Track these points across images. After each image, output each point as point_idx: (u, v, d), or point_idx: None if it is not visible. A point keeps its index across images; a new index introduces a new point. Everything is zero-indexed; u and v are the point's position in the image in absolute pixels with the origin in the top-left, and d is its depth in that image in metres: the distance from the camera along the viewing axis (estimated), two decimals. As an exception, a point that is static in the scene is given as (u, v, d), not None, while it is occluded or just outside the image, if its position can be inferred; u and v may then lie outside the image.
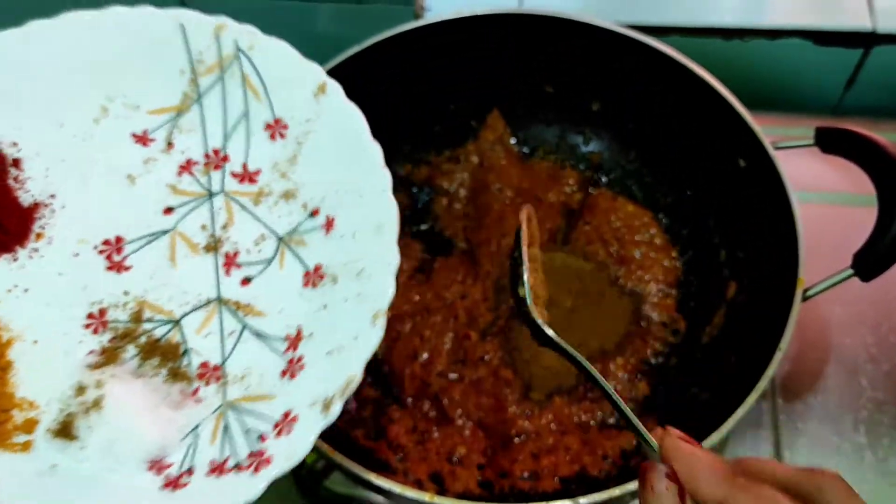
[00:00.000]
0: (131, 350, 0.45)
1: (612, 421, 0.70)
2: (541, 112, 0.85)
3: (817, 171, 0.84)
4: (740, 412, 0.54)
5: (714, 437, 0.53)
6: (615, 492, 0.52)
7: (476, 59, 0.80)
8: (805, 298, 0.60)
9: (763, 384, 0.56)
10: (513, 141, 0.85)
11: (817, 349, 0.76)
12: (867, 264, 0.61)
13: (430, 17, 0.75)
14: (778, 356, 0.57)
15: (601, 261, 0.78)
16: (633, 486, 0.51)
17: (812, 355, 0.76)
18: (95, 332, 0.46)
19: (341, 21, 0.93)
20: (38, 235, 0.48)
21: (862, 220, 0.61)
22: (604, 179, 0.85)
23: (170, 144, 0.50)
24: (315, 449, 0.41)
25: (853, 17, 0.83)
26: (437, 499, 0.52)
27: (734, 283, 0.73)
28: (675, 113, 0.77)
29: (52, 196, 0.49)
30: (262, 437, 0.40)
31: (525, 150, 0.86)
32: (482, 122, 0.85)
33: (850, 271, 0.61)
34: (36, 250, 0.48)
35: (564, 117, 0.85)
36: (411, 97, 0.76)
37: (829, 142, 0.65)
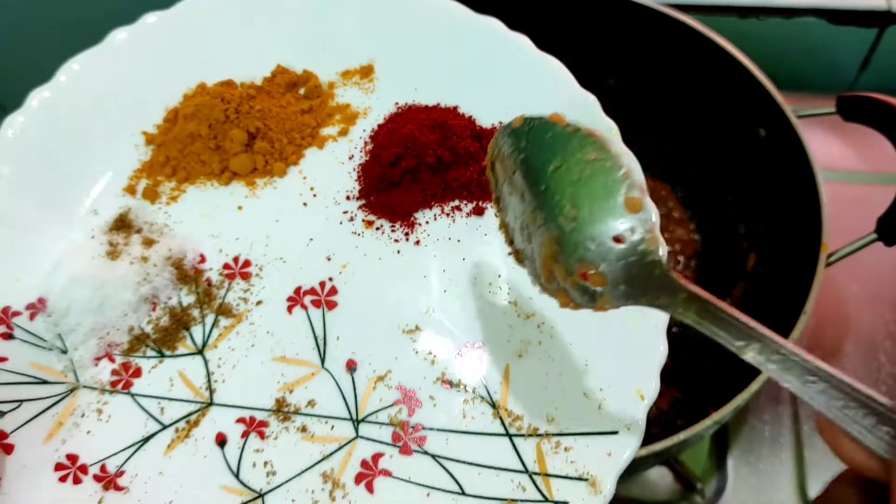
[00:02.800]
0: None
1: None
2: None
3: (837, 149, 0.85)
4: (763, 376, 0.55)
5: (737, 401, 0.54)
6: (641, 452, 0.52)
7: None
8: (829, 264, 0.60)
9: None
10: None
11: (835, 325, 0.77)
12: (891, 228, 0.61)
13: None
14: (803, 320, 0.57)
15: None
16: (657, 446, 0.53)
17: (830, 331, 0.76)
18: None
19: None
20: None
21: (883, 196, 0.61)
22: None
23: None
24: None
25: None
26: None
27: (753, 255, 0.75)
28: (694, 84, 0.77)
29: None
30: None
31: None
32: None
33: (874, 236, 0.62)
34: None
35: None
36: None
37: (850, 109, 0.65)
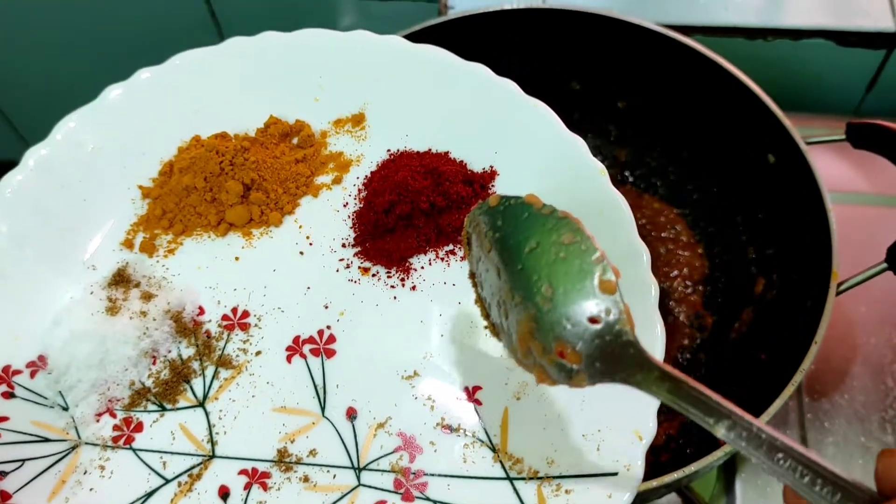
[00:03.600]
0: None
1: None
2: (566, 110, 0.83)
3: (845, 173, 0.86)
4: (777, 405, 0.55)
5: None
6: (652, 483, 0.54)
7: (500, 55, 0.78)
8: (839, 293, 0.60)
9: (799, 378, 0.56)
10: None
11: (844, 348, 0.77)
12: (902, 258, 0.61)
13: (454, 13, 0.75)
14: (813, 350, 0.57)
15: None
16: (668, 478, 0.53)
17: (838, 354, 0.76)
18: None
19: (364, 17, 0.93)
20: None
21: (892, 220, 0.61)
22: (629, 177, 0.86)
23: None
24: None
25: (876, 19, 0.84)
26: None
27: (762, 280, 0.75)
28: (703, 109, 0.77)
29: None
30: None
31: None
32: None
33: (885, 265, 0.61)
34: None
35: (590, 115, 0.85)
36: None
37: (860, 136, 0.66)
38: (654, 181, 0.85)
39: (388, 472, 0.45)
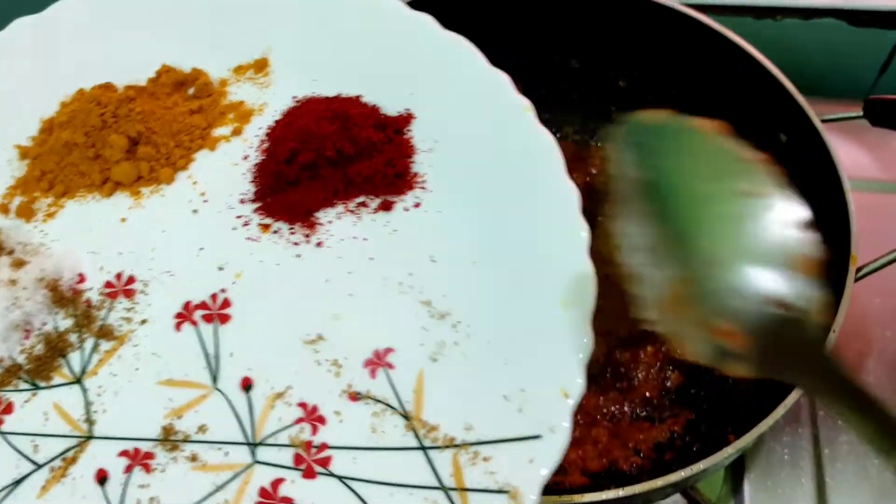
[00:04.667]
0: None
1: (643, 413, 0.68)
2: (565, 89, 0.81)
3: (860, 159, 0.82)
4: (793, 397, 0.51)
5: (762, 427, 0.50)
6: (657, 483, 0.49)
7: (496, 32, 0.76)
8: (858, 279, 0.56)
9: None
10: None
11: (858, 342, 0.73)
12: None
13: None
14: (831, 338, 0.53)
15: None
16: (675, 477, 0.49)
17: (852, 348, 0.72)
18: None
19: None
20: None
21: None
22: None
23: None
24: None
25: None
26: None
27: None
28: (710, 87, 0.73)
29: None
30: None
31: (549, 129, 0.83)
32: None
33: None
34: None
35: (590, 94, 0.81)
36: None
37: (879, 113, 0.62)
38: None
39: (288, 446, 0.40)
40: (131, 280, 0.44)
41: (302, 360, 0.42)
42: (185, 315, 0.43)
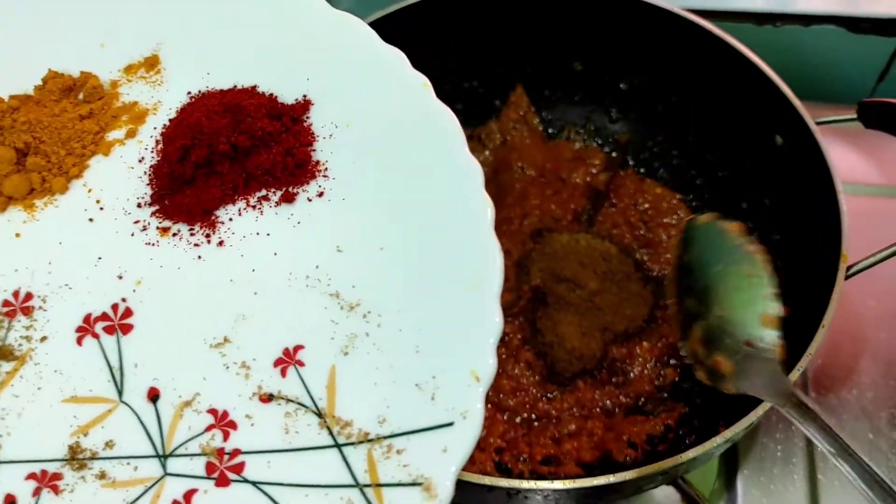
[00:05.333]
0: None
1: (638, 406, 0.69)
2: (567, 90, 0.83)
3: (855, 163, 0.82)
4: None
5: (750, 418, 0.51)
6: (647, 469, 0.50)
7: (500, 33, 0.77)
8: (849, 276, 0.57)
9: (805, 362, 0.53)
10: (537, 120, 0.83)
11: (852, 343, 0.74)
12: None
13: None
14: (821, 333, 0.54)
15: (627, 243, 0.77)
16: (665, 464, 0.50)
17: (846, 349, 0.73)
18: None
19: None
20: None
21: None
22: (631, 161, 0.83)
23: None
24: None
25: (888, 5, 0.81)
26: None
27: None
28: (709, 90, 0.74)
29: None
30: None
31: (550, 129, 0.84)
32: (505, 100, 0.83)
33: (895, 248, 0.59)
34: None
35: (591, 96, 0.83)
36: (430, 72, 0.74)
37: (872, 116, 0.64)
38: (657, 166, 0.82)
39: (199, 455, 0.39)
40: (29, 297, 0.43)
41: (209, 365, 0.41)
42: (86, 328, 0.42)
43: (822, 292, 0.57)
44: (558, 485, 0.50)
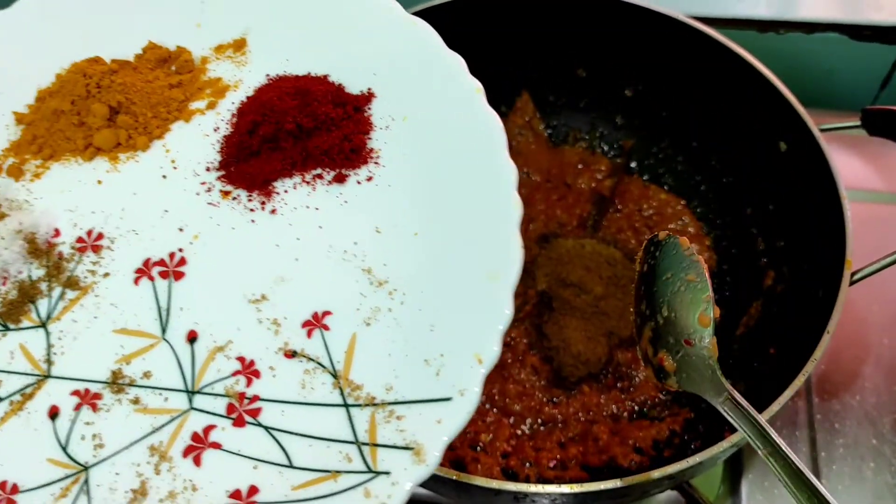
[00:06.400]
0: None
1: (643, 411, 0.70)
2: (572, 97, 0.83)
3: (859, 169, 0.82)
4: (787, 394, 0.53)
5: None
6: (653, 474, 0.52)
7: (506, 39, 0.78)
8: (853, 282, 0.58)
9: (810, 367, 0.54)
10: (542, 126, 0.84)
11: (855, 348, 0.73)
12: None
13: None
14: (826, 340, 0.55)
15: (632, 248, 0.78)
16: (671, 469, 0.51)
17: (850, 354, 0.73)
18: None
19: None
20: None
21: None
22: (635, 166, 0.83)
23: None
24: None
25: (890, 13, 0.81)
26: (462, 476, 0.52)
27: (772, 273, 0.72)
28: (713, 97, 0.75)
29: None
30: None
31: (555, 135, 0.85)
32: (511, 106, 0.84)
33: None
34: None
35: (597, 103, 0.83)
36: None
37: (876, 123, 0.63)
38: (661, 171, 0.83)
39: (223, 396, 0.43)
40: (100, 237, 0.48)
41: (245, 318, 0.45)
42: (143, 271, 0.47)
43: (827, 298, 0.57)
44: (565, 488, 0.51)
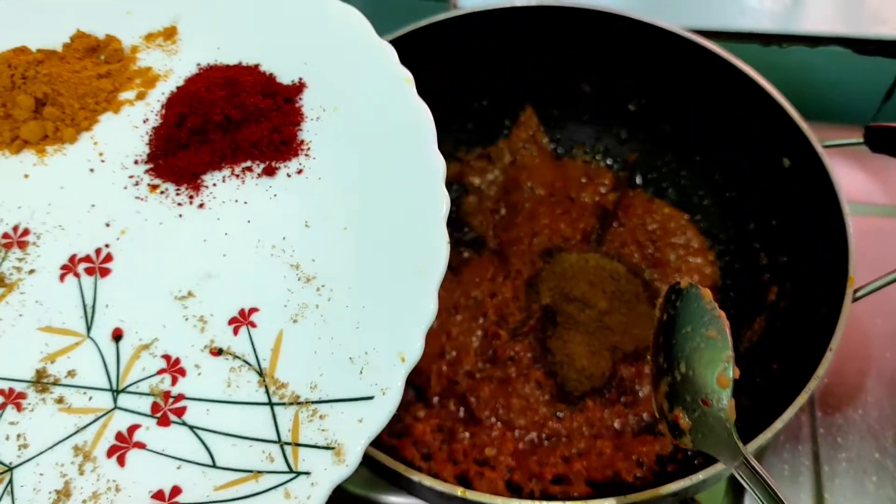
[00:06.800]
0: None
1: (647, 426, 0.70)
2: (576, 111, 0.84)
3: (861, 184, 0.82)
4: (790, 412, 0.53)
5: (759, 441, 0.53)
6: (658, 491, 0.52)
7: (510, 54, 0.78)
8: (856, 299, 0.58)
9: (813, 385, 0.54)
10: (546, 139, 0.84)
11: (858, 362, 0.73)
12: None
13: (464, 8, 0.73)
14: (829, 357, 0.55)
15: (636, 263, 0.78)
16: (675, 486, 0.52)
17: (852, 368, 0.73)
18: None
19: (371, 13, 0.91)
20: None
21: None
22: (639, 181, 0.83)
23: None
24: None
25: (894, 26, 0.81)
26: (468, 493, 0.51)
27: (775, 288, 0.72)
28: (716, 112, 0.75)
29: None
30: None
31: (559, 149, 0.85)
32: (515, 120, 0.84)
33: None
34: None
35: (600, 117, 0.84)
36: (442, 92, 0.77)
37: (878, 140, 0.64)
38: (665, 186, 0.83)
39: (147, 395, 0.43)
40: (26, 232, 0.47)
41: (171, 315, 0.44)
42: (69, 267, 0.46)
43: (830, 314, 0.57)
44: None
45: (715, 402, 0.45)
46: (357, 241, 0.45)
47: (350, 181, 0.46)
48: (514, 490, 0.65)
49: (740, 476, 0.44)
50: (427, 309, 0.41)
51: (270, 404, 0.42)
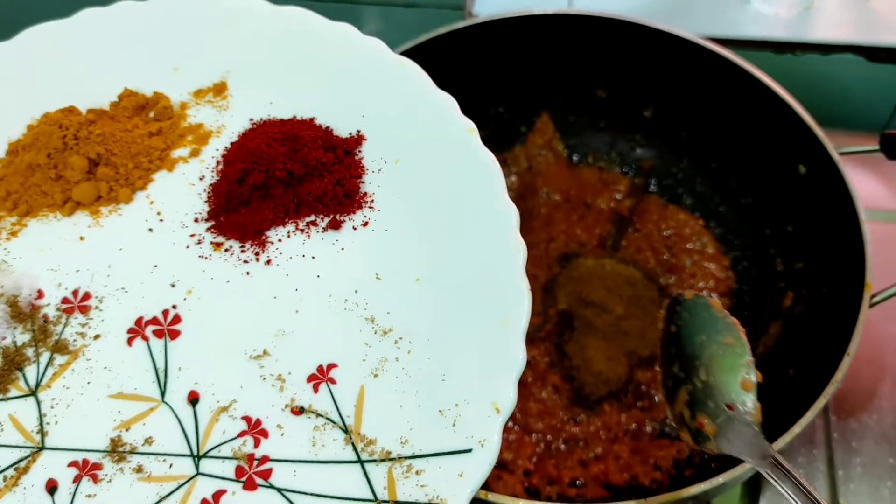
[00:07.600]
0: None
1: (664, 430, 0.70)
2: (592, 117, 0.85)
3: (877, 190, 0.84)
4: (808, 417, 0.54)
5: (779, 444, 0.53)
6: (678, 494, 0.53)
7: (526, 61, 0.79)
8: (872, 305, 0.59)
9: (831, 390, 0.55)
10: (562, 146, 0.85)
11: (872, 367, 0.74)
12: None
13: (480, 17, 0.74)
14: (846, 362, 0.56)
15: (651, 268, 0.79)
16: (695, 489, 0.52)
17: (866, 373, 0.74)
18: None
19: (388, 23, 0.91)
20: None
21: None
22: (654, 186, 0.84)
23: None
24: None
25: None
26: (490, 496, 0.52)
27: (791, 294, 0.73)
28: (732, 118, 0.76)
29: None
30: None
31: (575, 155, 0.86)
32: (531, 126, 0.85)
33: None
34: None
35: (616, 123, 0.84)
36: (459, 99, 0.78)
37: (894, 148, 0.65)
38: (680, 192, 0.84)
39: (230, 458, 0.42)
40: (87, 296, 0.46)
41: (247, 375, 0.43)
42: (136, 330, 0.45)
43: (846, 320, 0.58)
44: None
45: (740, 405, 0.47)
46: (432, 293, 0.45)
47: (418, 233, 0.46)
48: (531, 493, 0.66)
49: (768, 474, 0.44)
50: (517, 358, 0.41)
51: (360, 462, 0.41)
